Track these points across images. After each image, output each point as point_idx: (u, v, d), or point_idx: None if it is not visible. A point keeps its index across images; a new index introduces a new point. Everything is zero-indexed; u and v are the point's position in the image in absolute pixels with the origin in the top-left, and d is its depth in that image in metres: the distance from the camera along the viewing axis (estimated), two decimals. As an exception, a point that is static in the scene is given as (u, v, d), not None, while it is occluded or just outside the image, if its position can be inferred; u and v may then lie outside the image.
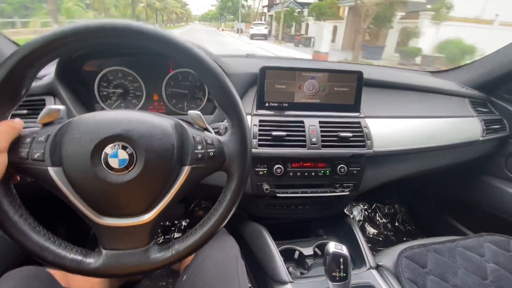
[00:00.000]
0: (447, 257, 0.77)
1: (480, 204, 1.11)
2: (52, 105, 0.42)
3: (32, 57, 0.36)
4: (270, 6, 30.27)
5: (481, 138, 0.91)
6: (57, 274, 0.56)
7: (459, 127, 0.90)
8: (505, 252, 0.80)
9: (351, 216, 1.42)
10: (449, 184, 1.24)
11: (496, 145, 1.01)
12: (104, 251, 0.42)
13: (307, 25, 18.12)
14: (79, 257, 0.41)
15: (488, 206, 1.07)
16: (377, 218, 1.45)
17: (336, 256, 0.53)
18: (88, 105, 0.73)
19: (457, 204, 1.22)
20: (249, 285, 0.57)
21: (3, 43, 0.73)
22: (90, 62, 0.72)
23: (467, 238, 0.84)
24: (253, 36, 20.47)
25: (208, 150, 0.43)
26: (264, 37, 20.31)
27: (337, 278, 0.53)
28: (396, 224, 1.44)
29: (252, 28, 21.33)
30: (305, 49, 12.71)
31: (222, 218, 0.45)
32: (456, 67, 1.20)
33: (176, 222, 1.26)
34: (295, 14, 18.64)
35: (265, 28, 21.34)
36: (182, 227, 1.29)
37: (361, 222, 1.41)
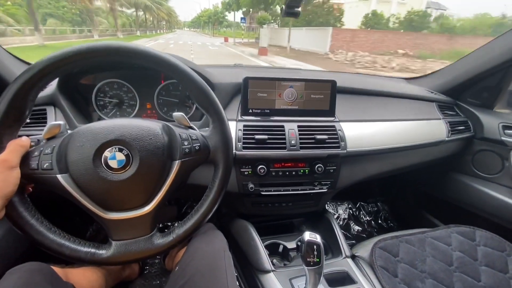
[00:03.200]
0: (417, 246, 0.84)
1: (452, 199, 1.19)
2: (53, 122, 0.48)
3: (32, 82, 0.42)
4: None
5: (446, 139, 1.00)
6: (57, 269, 0.60)
7: (426, 128, 0.99)
8: (470, 241, 0.87)
9: (336, 215, 1.49)
10: (425, 181, 1.32)
11: (462, 145, 1.10)
12: (113, 242, 0.48)
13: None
14: (92, 250, 0.47)
15: (458, 200, 1.16)
16: (361, 216, 1.53)
17: (310, 243, 0.60)
18: (86, 113, 0.79)
19: (432, 200, 1.30)
20: (235, 274, 0.62)
21: (12, 62, 0.78)
22: (86, 76, 0.79)
23: (436, 229, 0.91)
24: None
25: (194, 145, 0.50)
26: None
27: (312, 263, 0.59)
28: (379, 221, 1.51)
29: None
30: None
31: (213, 203, 0.52)
32: (427, 74, 1.30)
33: (169, 224, 1.31)
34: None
35: None
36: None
37: (346, 220, 1.48)
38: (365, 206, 1.56)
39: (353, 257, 0.82)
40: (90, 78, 0.79)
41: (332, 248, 0.88)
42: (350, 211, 1.53)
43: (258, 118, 0.82)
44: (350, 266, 0.77)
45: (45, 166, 0.44)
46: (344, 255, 0.81)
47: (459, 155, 1.13)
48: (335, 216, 1.49)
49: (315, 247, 0.60)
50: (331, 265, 0.77)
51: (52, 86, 0.73)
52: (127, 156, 0.45)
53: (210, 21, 65.03)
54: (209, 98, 0.51)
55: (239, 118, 0.81)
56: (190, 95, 0.53)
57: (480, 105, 1.13)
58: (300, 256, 0.86)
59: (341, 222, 1.47)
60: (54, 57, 0.42)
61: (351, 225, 1.46)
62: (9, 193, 0.41)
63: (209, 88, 0.51)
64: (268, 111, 0.82)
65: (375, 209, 1.57)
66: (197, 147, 0.50)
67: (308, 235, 0.61)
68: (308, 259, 0.59)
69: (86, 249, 0.46)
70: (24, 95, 0.42)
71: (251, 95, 0.80)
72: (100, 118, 0.80)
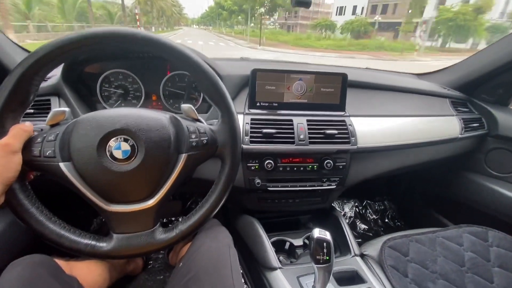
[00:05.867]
0: (428, 246, 0.82)
1: (463, 198, 1.16)
2: (57, 108, 0.47)
3: (38, 65, 0.40)
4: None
5: (460, 136, 0.97)
6: (61, 262, 0.59)
7: (439, 125, 0.96)
8: (483, 242, 0.85)
9: (342, 212, 1.47)
10: (435, 180, 1.29)
11: (476, 143, 1.07)
12: (114, 235, 0.46)
13: None
14: (92, 242, 0.45)
15: (470, 200, 1.12)
16: (368, 214, 1.50)
17: (320, 240, 0.58)
18: (91, 104, 0.77)
19: (442, 199, 1.27)
20: (241, 271, 0.61)
21: (14, 49, 0.77)
22: (92, 65, 0.77)
23: (447, 229, 0.88)
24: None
25: (201, 139, 0.48)
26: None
27: (321, 261, 0.57)
28: (386, 220, 1.49)
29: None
30: None
31: (219, 199, 0.50)
32: (439, 69, 1.26)
33: (173, 219, 1.30)
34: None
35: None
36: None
37: (352, 219, 1.46)
38: (371, 204, 1.54)
39: (361, 255, 0.80)
40: (95, 67, 0.77)
41: (340, 246, 0.86)
42: (357, 209, 1.51)
43: (266, 112, 0.79)
44: (359, 265, 0.75)
45: (47, 154, 0.42)
46: (353, 254, 0.79)
47: (472, 153, 1.09)
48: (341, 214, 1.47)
49: (324, 244, 0.58)
50: (340, 264, 0.75)
51: (56, 76, 0.71)
52: (132, 146, 0.44)
53: (247, 10, 26.25)
54: (220, 92, 0.49)
55: (247, 111, 0.78)
56: (199, 87, 0.51)
57: (494, 102, 1.09)
58: (307, 253, 0.85)
59: (347, 220, 1.45)
60: (59, 42, 0.40)
61: (357, 223, 1.44)
62: (9, 179, 0.40)
63: (221, 81, 0.49)
64: (276, 104, 0.80)
65: (382, 207, 1.54)
66: (204, 141, 0.49)
67: (317, 232, 0.59)
68: (317, 257, 0.57)
69: (86, 241, 0.45)
70: (28, 79, 0.40)
71: (259, 88, 0.78)
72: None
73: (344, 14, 30.19)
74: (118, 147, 0.43)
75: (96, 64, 0.77)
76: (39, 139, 0.43)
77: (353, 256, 0.79)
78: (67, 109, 0.47)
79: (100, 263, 0.78)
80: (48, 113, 0.69)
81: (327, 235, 0.59)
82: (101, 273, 0.75)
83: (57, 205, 0.50)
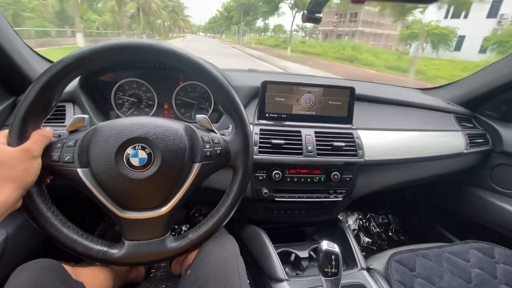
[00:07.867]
0: (434, 261, 0.81)
1: (468, 214, 1.15)
2: (78, 115, 0.48)
3: (62, 74, 0.42)
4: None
5: (465, 151, 0.98)
6: (67, 267, 0.59)
7: (444, 140, 0.97)
8: (489, 258, 0.84)
9: (346, 224, 1.46)
10: (439, 195, 1.29)
11: (480, 158, 1.07)
12: (126, 242, 0.47)
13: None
14: (104, 248, 0.46)
15: (475, 215, 1.12)
16: (371, 227, 1.49)
17: (328, 253, 0.58)
18: (104, 112, 0.79)
19: (446, 214, 1.26)
20: (248, 281, 0.61)
21: (35, 59, 0.79)
22: (107, 74, 0.79)
23: (453, 244, 0.88)
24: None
25: (215, 149, 0.49)
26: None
27: (329, 274, 0.57)
28: (390, 233, 1.48)
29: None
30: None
31: (230, 209, 0.51)
32: (444, 85, 1.28)
33: (176, 227, 1.30)
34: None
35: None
36: (182, 232, 1.33)
37: (355, 231, 1.45)
38: (375, 218, 1.53)
39: (367, 269, 0.79)
40: (110, 76, 0.79)
41: (346, 259, 0.85)
42: (360, 222, 1.50)
43: (275, 123, 0.81)
44: (366, 278, 0.75)
45: (66, 159, 0.43)
46: (359, 267, 0.78)
47: (477, 169, 1.10)
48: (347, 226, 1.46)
49: (333, 257, 0.58)
50: (346, 277, 0.74)
51: (72, 83, 0.73)
52: (149, 155, 0.45)
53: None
54: (234, 103, 0.51)
55: (256, 122, 0.80)
56: (214, 97, 0.53)
57: (499, 118, 1.10)
58: (312, 265, 0.84)
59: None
60: (85, 52, 0.42)
61: (361, 236, 1.43)
62: (29, 183, 0.41)
63: (235, 93, 0.51)
64: (285, 116, 0.81)
65: (386, 221, 1.53)
66: (218, 151, 0.50)
67: (326, 245, 0.59)
68: (325, 270, 0.57)
69: (98, 247, 0.46)
70: (53, 86, 0.42)
71: (269, 99, 0.79)
72: (118, 117, 0.81)
73: (466, 17, 17.64)
74: (136, 155, 0.44)
75: (111, 73, 0.79)
76: (58, 145, 0.44)
77: (359, 270, 0.78)
78: (86, 116, 0.48)
79: (105, 270, 0.77)
80: (62, 119, 0.71)
81: (335, 248, 0.59)
82: (106, 280, 0.74)
83: (65, 210, 0.50)
